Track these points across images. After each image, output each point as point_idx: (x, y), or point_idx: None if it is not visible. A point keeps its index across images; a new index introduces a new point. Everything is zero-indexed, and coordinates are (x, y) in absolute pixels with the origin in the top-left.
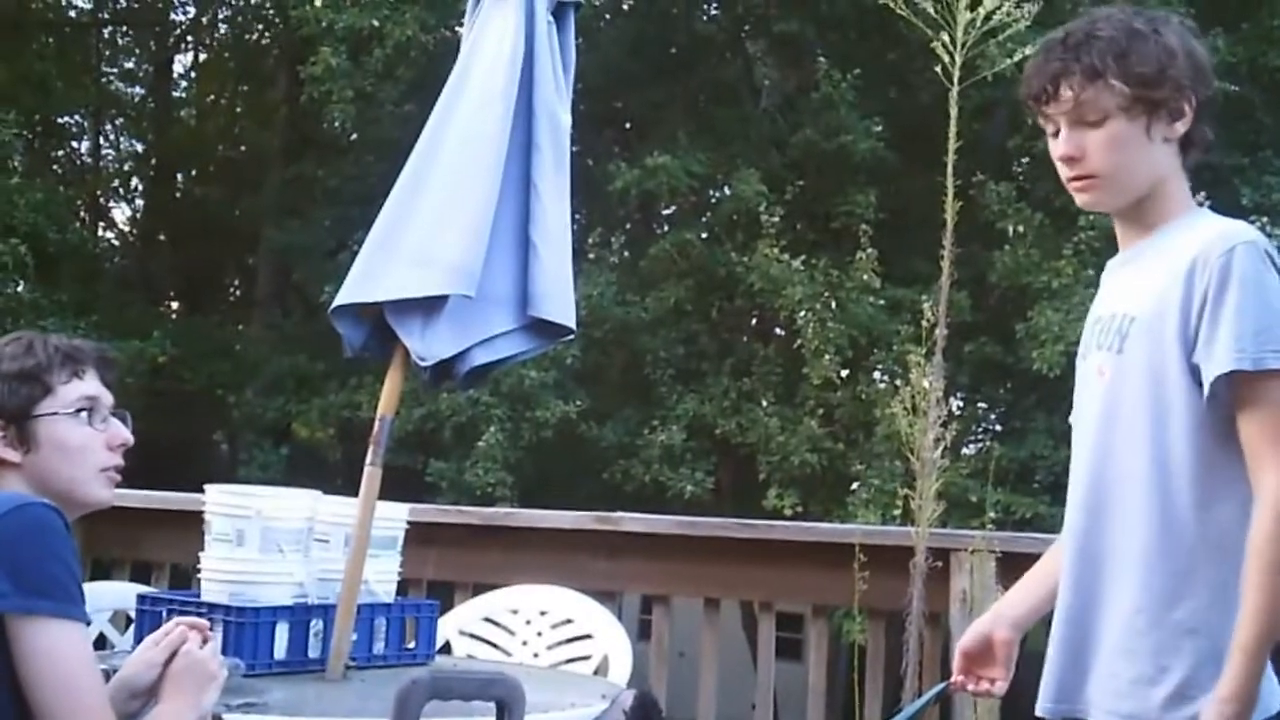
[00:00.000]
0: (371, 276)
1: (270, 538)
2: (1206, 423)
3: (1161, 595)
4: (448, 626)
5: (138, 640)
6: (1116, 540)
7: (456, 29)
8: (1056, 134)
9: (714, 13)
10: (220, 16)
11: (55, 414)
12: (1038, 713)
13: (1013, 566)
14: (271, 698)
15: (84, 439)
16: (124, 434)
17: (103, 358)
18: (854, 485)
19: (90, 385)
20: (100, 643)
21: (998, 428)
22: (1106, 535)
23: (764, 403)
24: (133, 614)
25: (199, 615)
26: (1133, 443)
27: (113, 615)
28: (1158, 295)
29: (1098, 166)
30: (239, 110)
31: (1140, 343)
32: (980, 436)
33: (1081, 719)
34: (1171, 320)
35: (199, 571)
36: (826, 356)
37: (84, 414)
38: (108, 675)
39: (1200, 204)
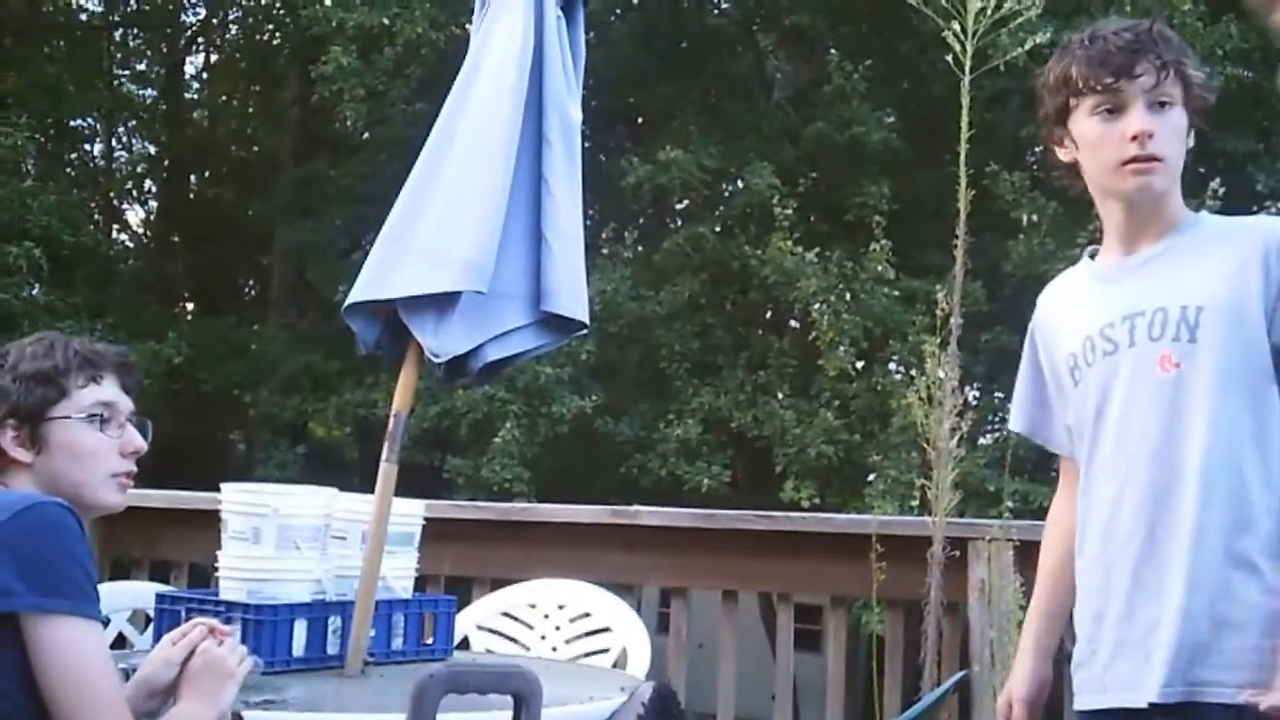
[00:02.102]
0: (384, 274)
1: (287, 535)
2: None
3: (1257, 568)
4: (466, 622)
5: (157, 639)
6: (1194, 520)
7: (467, 26)
8: (1111, 112)
9: (725, 6)
10: (231, 17)
11: (68, 418)
12: (1155, 698)
13: (1031, 555)
14: (290, 694)
15: (95, 445)
16: (137, 441)
17: (123, 364)
18: (871, 476)
19: (107, 391)
20: (119, 642)
21: None
22: (1180, 519)
23: (779, 395)
24: (152, 613)
25: (217, 613)
26: (1218, 428)
27: (132, 615)
28: (1229, 283)
29: (1166, 149)
30: (251, 110)
31: (1217, 330)
32: (997, 426)
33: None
34: (1254, 304)
35: (217, 570)
36: (841, 348)
37: (97, 420)
38: (126, 675)
39: (1214, 191)
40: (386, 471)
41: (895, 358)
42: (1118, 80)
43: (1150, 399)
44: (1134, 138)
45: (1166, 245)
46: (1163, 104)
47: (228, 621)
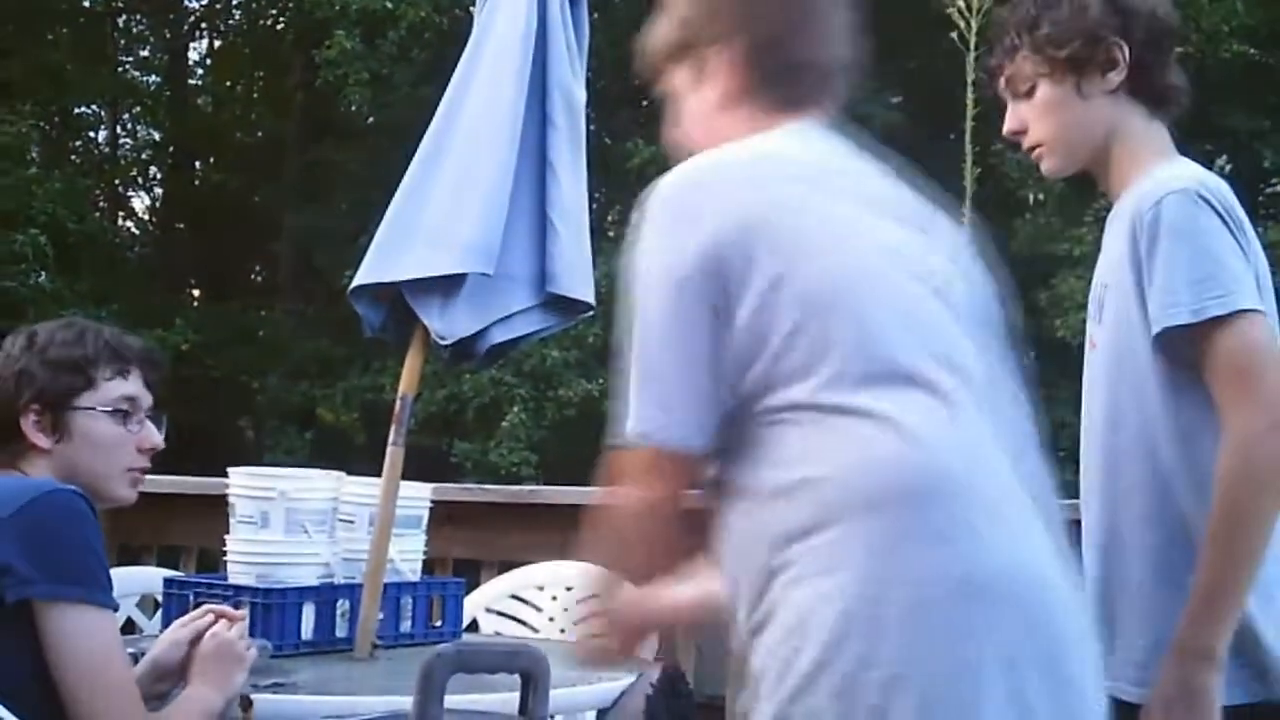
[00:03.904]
0: (389, 257)
1: (295, 519)
2: (1171, 382)
3: (1160, 562)
4: (474, 604)
5: (166, 624)
6: (1114, 512)
7: (470, 8)
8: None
9: None
10: (234, 2)
11: (93, 409)
12: None
13: None
14: (299, 677)
15: (116, 438)
16: (155, 438)
17: (150, 359)
18: None
19: (133, 385)
20: (128, 627)
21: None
22: (1104, 507)
23: None
24: (160, 598)
25: (226, 598)
26: (1114, 411)
27: (140, 600)
28: (1118, 258)
29: (1038, 134)
30: (255, 96)
31: (1111, 309)
32: None
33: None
34: (1128, 282)
35: (225, 554)
36: None
37: (121, 414)
38: (135, 659)
39: (1221, 168)
40: (393, 455)
41: None
42: (993, 86)
43: (1085, 381)
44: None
45: (1116, 210)
46: (1027, 90)
47: (236, 606)
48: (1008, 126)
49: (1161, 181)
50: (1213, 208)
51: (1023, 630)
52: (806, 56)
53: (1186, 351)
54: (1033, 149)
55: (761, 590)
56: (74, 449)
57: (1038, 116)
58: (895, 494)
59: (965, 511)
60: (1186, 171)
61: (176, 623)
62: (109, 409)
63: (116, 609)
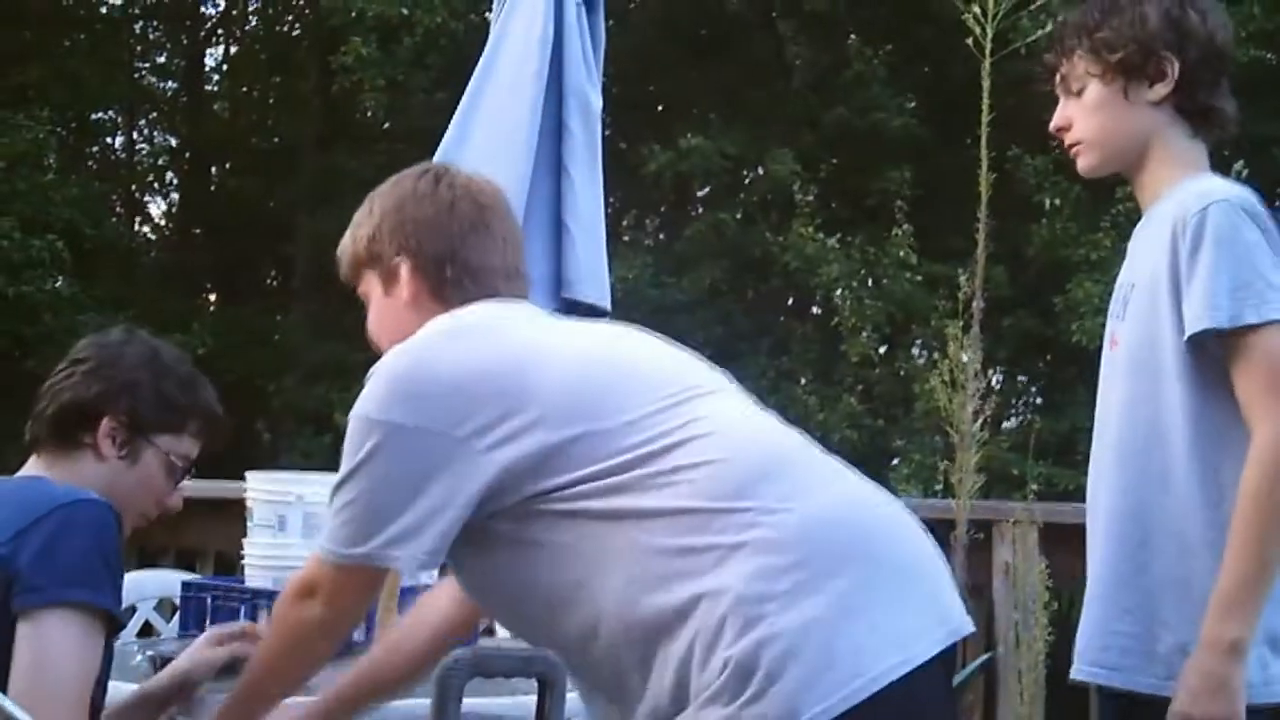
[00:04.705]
0: None
1: (312, 523)
2: (1198, 384)
3: (1175, 554)
4: None
5: (183, 627)
6: (1125, 503)
7: (486, 14)
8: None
9: None
10: (250, 8)
11: (165, 453)
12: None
13: (1055, 537)
14: (315, 680)
15: (159, 487)
16: (177, 504)
17: (220, 434)
18: (894, 461)
19: (196, 449)
20: (146, 630)
21: (1038, 401)
22: (1119, 498)
23: (802, 381)
24: (178, 601)
25: (244, 601)
26: (1131, 406)
27: (158, 603)
28: (1152, 261)
29: (1081, 131)
30: (271, 102)
31: (1138, 309)
32: (1021, 410)
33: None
34: (1163, 285)
35: (243, 558)
36: (864, 333)
37: (176, 469)
38: (153, 660)
39: (1239, 173)
40: None
41: (918, 342)
42: (1050, 82)
43: (1103, 377)
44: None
45: (1147, 216)
46: (1079, 90)
47: (255, 609)
48: (1055, 122)
49: (1204, 192)
50: (1254, 221)
51: None
52: (482, 262)
53: (1217, 354)
54: (1073, 145)
55: None
56: (125, 474)
57: (1084, 115)
58: None
59: None
60: (1225, 185)
61: (207, 637)
62: (174, 460)
63: (115, 619)
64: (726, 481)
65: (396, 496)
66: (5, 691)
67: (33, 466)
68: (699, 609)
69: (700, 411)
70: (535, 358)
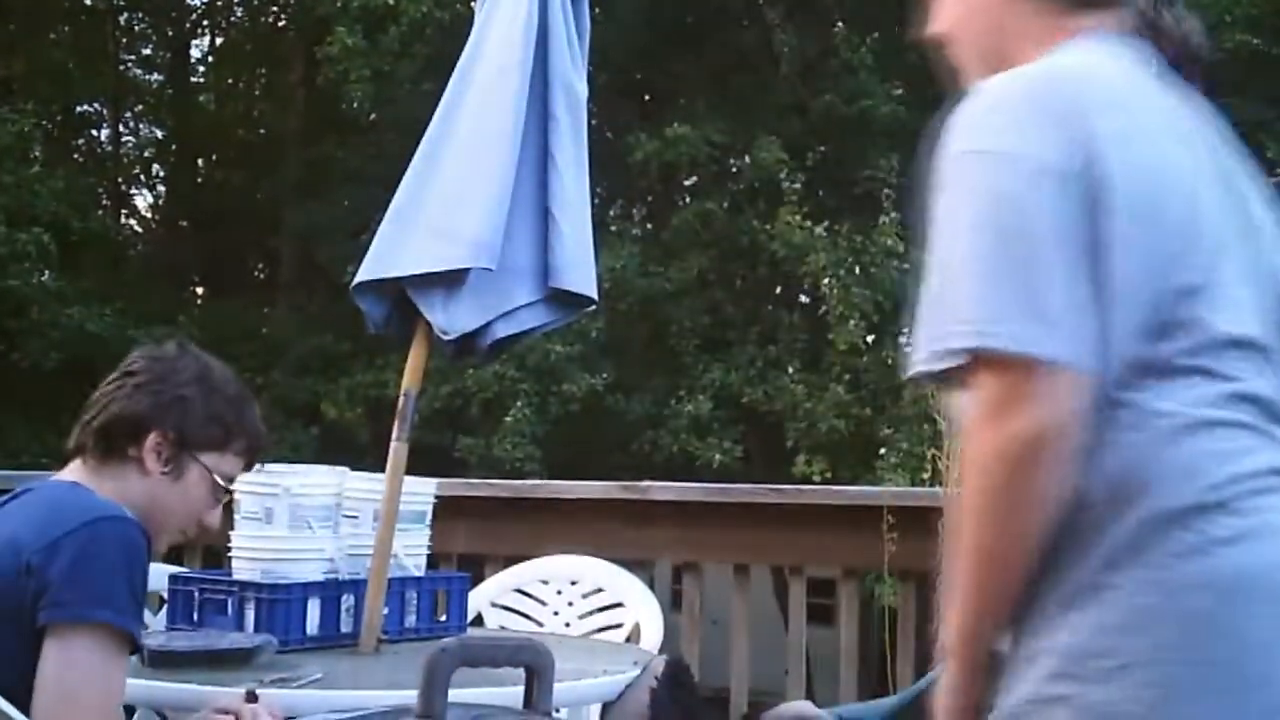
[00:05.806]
0: (392, 252)
1: (299, 515)
2: None
3: None
4: (479, 599)
5: (170, 620)
6: None
7: (471, 3)
8: None
9: None
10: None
11: (210, 470)
12: None
13: None
14: (305, 672)
15: (202, 503)
16: (216, 521)
17: (259, 454)
18: (882, 450)
19: (239, 469)
20: None
21: None
22: None
23: (790, 370)
24: (165, 594)
25: (231, 593)
26: None
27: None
28: None
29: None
30: (257, 93)
31: None
32: None
33: None
34: None
35: (230, 550)
36: (851, 322)
37: (219, 487)
38: (143, 653)
39: None
40: (397, 450)
41: (906, 331)
42: None
43: None
44: None
45: None
46: None
47: (241, 602)
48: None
49: None
50: None
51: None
52: None
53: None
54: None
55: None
56: (167, 489)
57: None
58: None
59: None
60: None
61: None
62: (218, 478)
63: (136, 642)
64: None
65: None
66: (30, 703)
67: (75, 472)
68: None
69: None
70: None
